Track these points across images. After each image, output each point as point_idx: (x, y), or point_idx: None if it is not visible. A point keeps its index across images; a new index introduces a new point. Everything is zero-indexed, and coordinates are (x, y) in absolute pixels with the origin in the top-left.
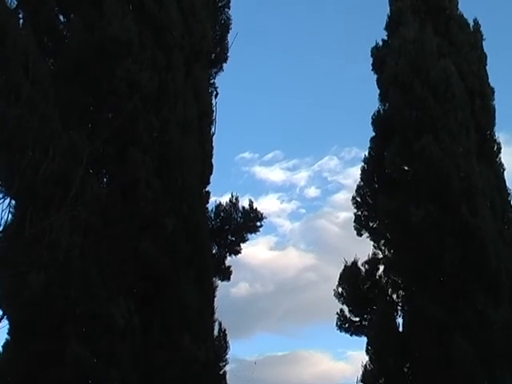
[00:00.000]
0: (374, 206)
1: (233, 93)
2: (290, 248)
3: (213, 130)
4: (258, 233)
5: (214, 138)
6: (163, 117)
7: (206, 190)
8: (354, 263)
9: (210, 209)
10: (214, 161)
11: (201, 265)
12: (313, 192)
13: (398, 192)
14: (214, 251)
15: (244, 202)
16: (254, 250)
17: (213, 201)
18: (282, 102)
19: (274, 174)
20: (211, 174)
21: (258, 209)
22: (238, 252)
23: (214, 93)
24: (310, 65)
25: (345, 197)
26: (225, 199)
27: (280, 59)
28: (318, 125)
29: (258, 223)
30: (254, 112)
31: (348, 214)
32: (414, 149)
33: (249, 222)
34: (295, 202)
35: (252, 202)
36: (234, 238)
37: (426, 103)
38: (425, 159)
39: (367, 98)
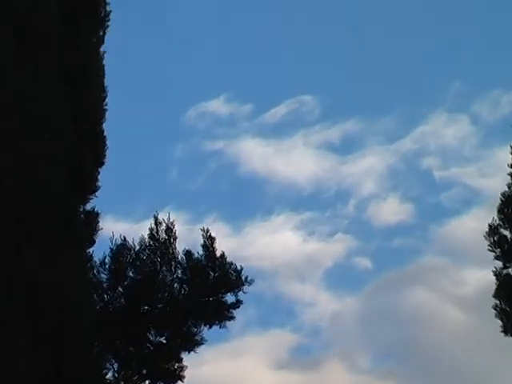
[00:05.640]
0: None
1: None
2: (332, 364)
3: (105, 39)
4: (232, 321)
5: (105, 58)
6: None
7: (88, 207)
8: None
9: (97, 260)
10: (107, 128)
11: None
12: (390, 211)
13: None
14: (108, 377)
15: (194, 238)
16: (234, 370)
17: (108, 234)
18: None
19: (290, 159)
20: (102, 162)
21: (235, 256)
22: (176, 377)
23: None
24: None
25: (478, 226)
26: (143, 229)
27: None
28: (401, 37)
29: (232, 296)
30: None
31: (485, 272)
32: None
33: (205, 293)
34: (344, 236)
35: (212, 240)
36: (168, 341)
37: None
38: None
39: None
